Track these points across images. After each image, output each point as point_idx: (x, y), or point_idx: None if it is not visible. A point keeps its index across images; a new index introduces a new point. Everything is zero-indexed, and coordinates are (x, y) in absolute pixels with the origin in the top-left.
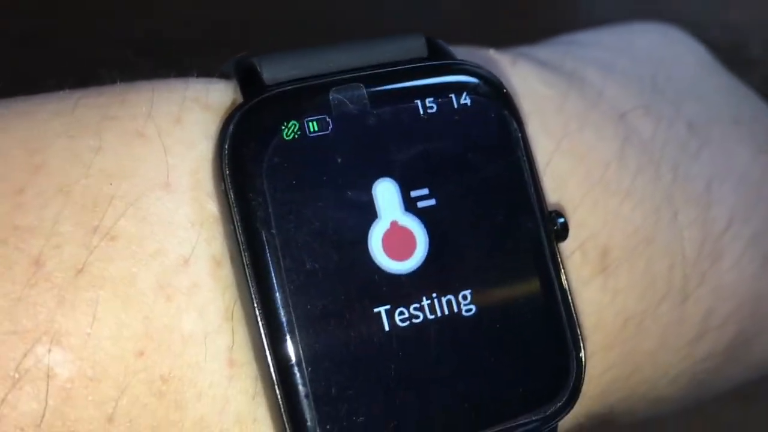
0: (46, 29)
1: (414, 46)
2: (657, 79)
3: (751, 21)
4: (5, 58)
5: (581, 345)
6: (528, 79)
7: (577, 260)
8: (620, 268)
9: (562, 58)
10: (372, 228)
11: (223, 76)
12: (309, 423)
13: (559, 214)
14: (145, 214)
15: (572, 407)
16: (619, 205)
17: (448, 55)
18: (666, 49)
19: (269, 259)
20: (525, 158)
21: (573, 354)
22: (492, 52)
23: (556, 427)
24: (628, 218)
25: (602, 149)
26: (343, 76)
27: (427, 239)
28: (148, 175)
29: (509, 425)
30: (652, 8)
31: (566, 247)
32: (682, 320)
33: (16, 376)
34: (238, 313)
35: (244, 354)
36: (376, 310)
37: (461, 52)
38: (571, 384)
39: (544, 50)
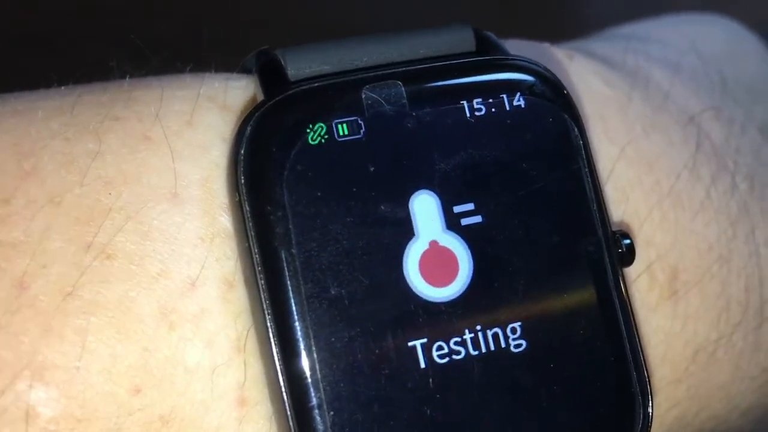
0: (47, 29)
1: (460, 39)
2: (726, 79)
3: (750, 21)
4: (5, 58)
5: (649, 395)
6: (587, 77)
7: (644, 284)
8: (691, 291)
9: (622, 54)
10: (408, 248)
11: (245, 71)
12: None
13: (625, 235)
14: (148, 229)
15: None
16: (691, 221)
17: (499, 49)
18: (730, 46)
19: (288, 282)
20: (587, 169)
21: (639, 403)
22: (546, 47)
23: None
24: (701, 235)
25: (672, 157)
26: (378, 72)
27: (471, 262)
28: (152, 183)
29: None
30: (654, 8)
31: (631, 270)
32: (757, 347)
33: None
34: (252, 344)
35: (257, 392)
36: (411, 344)
37: (512, 46)
38: None
39: (600, 45)
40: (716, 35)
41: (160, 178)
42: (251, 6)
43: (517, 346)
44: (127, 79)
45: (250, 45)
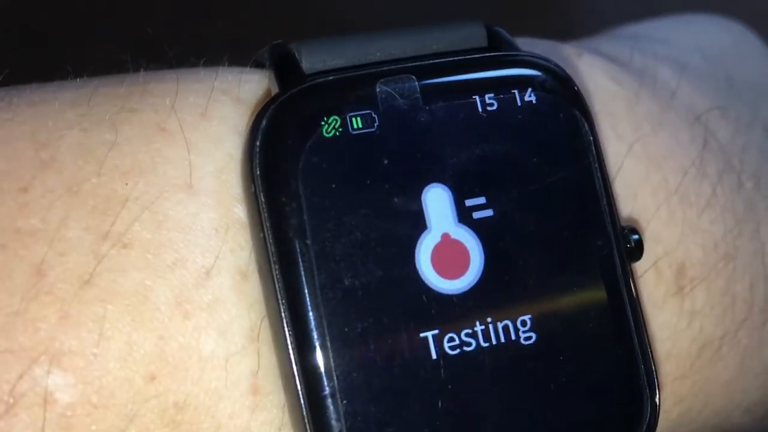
0: (47, 29)
1: (472, 34)
2: (731, 79)
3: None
4: (5, 59)
5: (657, 386)
6: (595, 75)
7: (651, 280)
8: (698, 288)
9: (630, 53)
10: (420, 241)
11: (258, 65)
12: None
13: (634, 230)
14: (163, 219)
15: None
16: (697, 218)
17: (511, 46)
18: (735, 46)
19: (303, 273)
20: (596, 165)
21: (647, 396)
22: (555, 44)
23: None
24: (708, 232)
25: (679, 154)
26: (393, 67)
27: (483, 255)
28: (167, 174)
29: None
30: (655, 7)
31: (638, 266)
32: (762, 344)
33: (10, 400)
34: (265, 333)
35: (270, 381)
36: (422, 335)
37: (521, 43)
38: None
39: (608, 44)
40: (721, 35)
41: (176, 169)
42: (256, 3)
43: (527, 338)
44: (141, 71)
45: (256, 42)
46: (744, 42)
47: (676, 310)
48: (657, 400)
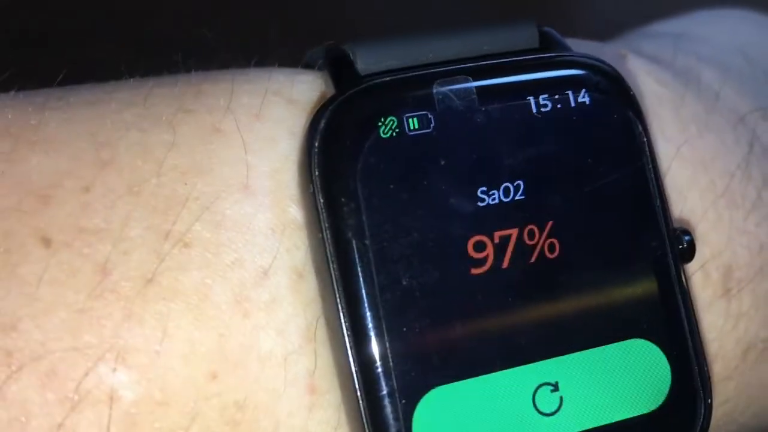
0: (47, 29)
1: (524, 35)
2: None
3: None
4: (6, 59)
5: (710, 388)
6: (640, 76)
7: (699, 282)
8: (744, 290)
9: (672, 54)
10: None
11: (308, 66)
12: None
13: (686, 232)
14: (222, 219)
15: None
16: (744, 220)
17: (562, 47)
18: None
19: (361, 273)
20: (650, 166)
21: (700, 397)
22: (598, 45)
23: None
24: (754, 234)
25: (726, 157)
26: (449, 68)
27: None
28: (225, 175)
29: None
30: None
31: (687, 268)
32: None
33: (76, 398)
34: (321, 332)
35: (326, 380)
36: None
37: (570, 44)
38: None
39: (648, 44)
40: (758, 32)
41: (232, 170)
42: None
43: None
44: (193, 73)
45: (256, 43)
46: None
47: (723, 311)
48: (710, 401)
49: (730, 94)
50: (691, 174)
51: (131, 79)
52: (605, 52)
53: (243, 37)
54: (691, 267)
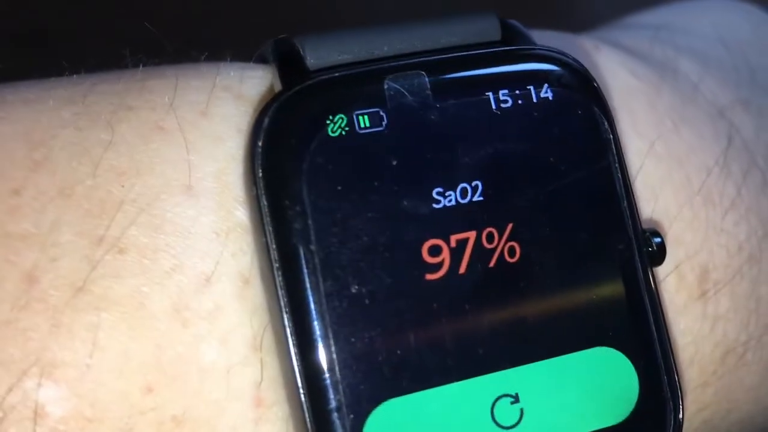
0: (47, 29)
1: (485, 28)
2: (754, 69)
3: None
4: (6, 59)
5: (680, 400)
6: (615, 69)
7: (672, 285)
8: (721, 292)
9: (650, 45)
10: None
11: (262, 60)
12: None
13: (656, 233)
14: (161, 222)
15: None
16: (721, 219)
17: (526, 39)
18: (755, 33)
19: (307, 280)
20: (617, 165)
21: (669, 409)
22: (572, 37)
23: None
24: (732, 234)
25: (703, 152)
26: (401, 62)
27: None
28: (166, 175)
29: None
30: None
31: (660, 270)
32: None
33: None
34: (268, 342)
35: (274, 392)
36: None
37: (537, 36)
38: None
39: (626, 35)
40: (740, 23)
41: (174, 170)
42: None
43: None
44: (140, 68)
45: (261, 36)
46: (762, 29)
47: (699, 314)
48: (680, 414)
49: (710, 85)
50: (666, 170)
51: (74, 75)
52: (578, 44)
53: (243, 38)
54: (665, 269)
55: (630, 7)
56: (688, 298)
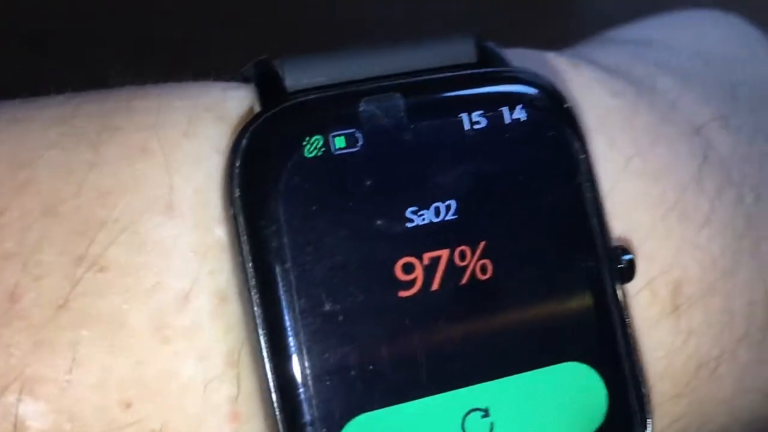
0: (47, 29)
1: (460, 50)
2: (735, 84)
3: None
4: (6, 59)
5: (650, 412)
6: (593, 87)
7: (645, 300)
8: (694, 306)
9: (630, 62)
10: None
11: (245, 80)
12: None
13: (625, 251)
14: (142, 241)
15: None
16: (696, 235)
17: (501, 61)
18: (738, 46)
19: (282, 297)
20: (588, 183)
21: (638, 425)
22: (551, 56)
23: None
24: (706, 249)
25: (678, 169)
26: (377, 84)
27: None
28: (148, 195)
29: None
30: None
31: (632, 286)
32: (761, 361)
33: None
34: (245, 358)
35: (250, 406)
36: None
37: (515, 55)
38: None
39: (607, 52)
40: (722, 36)
41: (156, 190)
42: (256, 6)
43: None
44: (126, 87)
45: (261, 36)
46: (746, 41)
47: (672, 329)
48: (648, 429)
49: (689, 102)
50: (642, 187)
51: (62, 95)
52: (555, 63)
53: (243, 37)
54: (638, 284)
55: (630, 7)
56: (661, 313)
